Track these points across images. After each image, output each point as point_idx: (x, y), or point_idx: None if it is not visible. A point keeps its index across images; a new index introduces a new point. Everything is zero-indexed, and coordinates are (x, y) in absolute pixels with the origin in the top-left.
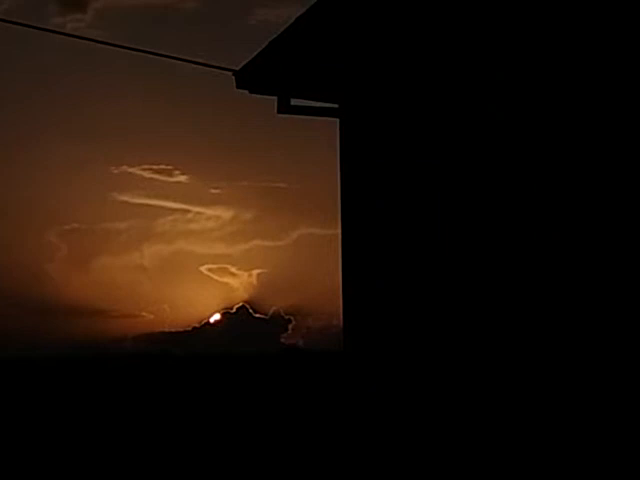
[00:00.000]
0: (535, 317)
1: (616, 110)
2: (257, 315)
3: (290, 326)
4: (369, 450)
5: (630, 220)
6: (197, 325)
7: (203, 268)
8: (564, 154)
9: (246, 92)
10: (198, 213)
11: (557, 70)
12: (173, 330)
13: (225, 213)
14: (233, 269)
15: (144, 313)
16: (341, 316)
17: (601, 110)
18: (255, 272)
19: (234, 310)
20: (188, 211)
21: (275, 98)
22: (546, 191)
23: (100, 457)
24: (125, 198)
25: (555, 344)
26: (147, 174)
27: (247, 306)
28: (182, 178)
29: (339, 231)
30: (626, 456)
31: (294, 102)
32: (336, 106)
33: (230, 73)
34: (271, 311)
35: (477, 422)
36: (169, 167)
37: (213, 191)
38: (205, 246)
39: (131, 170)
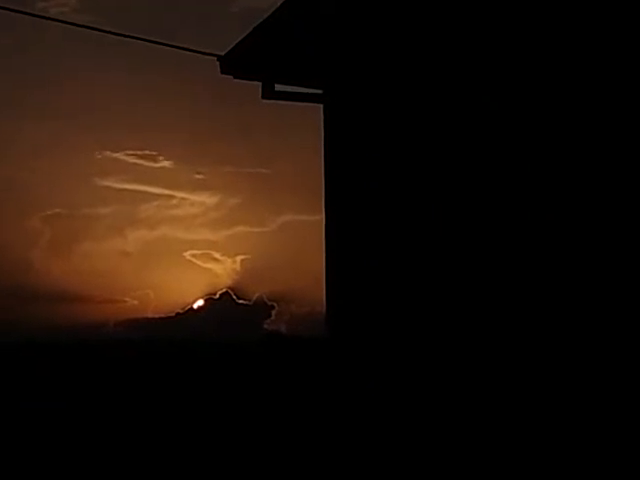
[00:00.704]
0: (525, 302)
1: (616, 113)
2: (240, 301)
3: (273, 312)
4: (353, 437)
5: (630, 216)
6: (180, 311)
7: (187, 254)
8: (553, 144)
9: (230, 77)
10: (182, 199)
11: (548, 61)
12: (156, 316)
13: (209, 199)
14: (217, 255)
15: (127, 299)
16: (324, 302)
17: (601, 110)
18: (239, 258)
19: (217, 296)
20: (172, 197)
21: (260, 84)
22: (533, 174)
23: (82, 445)
24: (108, 183)
25: (547, 332)
26: (131, 159)
27: (230, 292)
28: (166, 163)
29: (323, 217)
30: (626, 456)
31: (278, 88)
32: (320, 92)
33: (215, 58)
34: (254, 297)
35: (463, 409)
36: (153, 152)
37: (197, 177)
38: (189, 232)
39: (115, 155)
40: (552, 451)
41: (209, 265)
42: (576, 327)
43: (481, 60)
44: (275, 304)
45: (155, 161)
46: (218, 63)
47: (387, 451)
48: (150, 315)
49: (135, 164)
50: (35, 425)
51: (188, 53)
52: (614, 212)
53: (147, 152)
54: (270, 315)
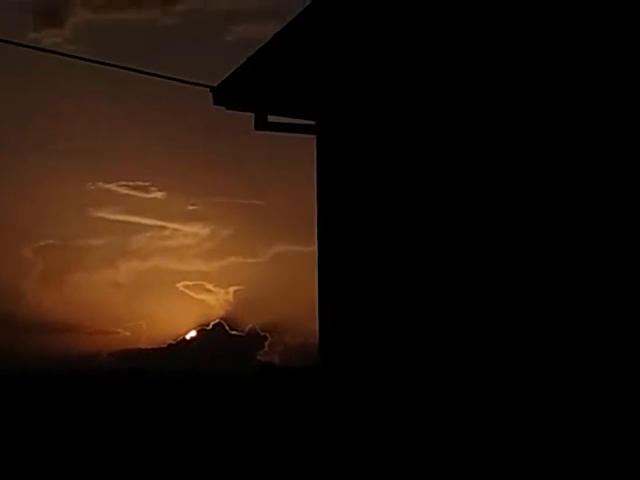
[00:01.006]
0: (529, 309)
1: (616, 114)
2: (233, 332)
3: (266, 343)
4: (348, 467)
5: (630, 216)
6: (173, 342)
7: (179, 285)
8: (553, 145)
9: (223, 108)
10: (175, 230)
11: (547, 61)
12: (149, 347)
13: (202, 230)
14: (210, 286)
15: (119, 330)
16: (317, 333)
17: (601, 111)
18: (232, 289)
19: (210, 327)
20: (165, 227)
21: (252, 115)
22: (533, 175)
23: (72, 475)
24: (101, 214)
25: (548, 335)
26: (123, 190)
27: (223, 323)
28: (158, 194)
29: (315, 248)
30: (626, 456)
31: (271, 119)
32: (313, 123)
33: (207, 89)
34: (247, 328)
35: (463, 436)
36: (146, 183)
37: (190, 207)
38: (182, 263)
39: (107, 186)
40: (552, 451)
41: (202, 296)
42: (575, 327)
43: (479, 63)
44: (268, 335)
45: (147, 192)
46: (211, 94)
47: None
48: (142, 346)
49: (128, 195)
50: (25, 454)
51: (182, 84)
52: (615, 211)
53: (139, 183)
54: (263, 346)
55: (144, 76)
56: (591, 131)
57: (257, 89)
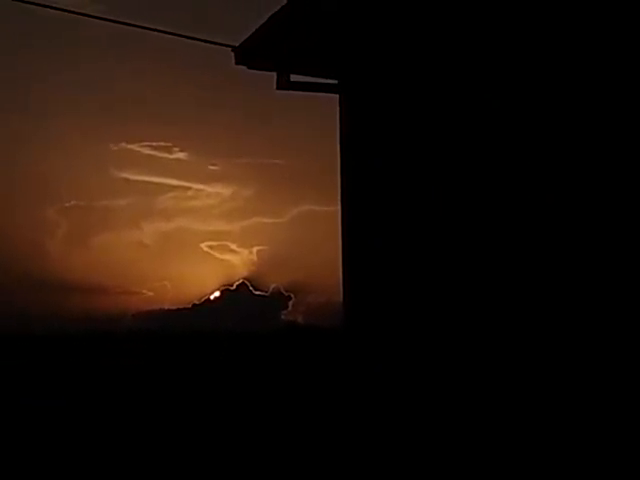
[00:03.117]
0: (538, 297)
1: (616, 112)
2: (257, 292)
3: (290, 303)
4: (370, 427)
5: (630, 214)
6: (197, 302)
7: (203, 245)
8: (566, 149)
9: (245, 68)
10: (198, 190)
11: (560, 65)
12: (173, 307)
13: (225, 190)
14: (233, 246)
15: (144, 290)
16: (341, 293)
17: (601, 111)
18: (255, 249)
19: (234, 287)
20: (188, 188)
21: (274, 74)
22: (549, 170)
23: (97, 435)
24: (125, 175)
25: (553, 329)
26: (146, 150)
27: (247, 283)
28: (181, 155)
29: (339, 207)
30: (626, 456)
31: (293, 78)
32: (336, 82)
33: (229, 49)
34: (271, 288)
35: (480, 401)
36: (168, 144)
37: (211, 167)
38: (205, 223)
39: (130, 147)
40: (557, 449)
41: (225, 256)
42: (593, 328)
43: (503, 54)
44: (292, 295)
45: (170, 152)
46: (233, 54)
47: (400, 438)
48: (167, 306)
49: (150, 155)
50: (50, 416)
51: (203, 44)
52: (616, 211)
53: (162, 143)
54: (287, 306)
55: (166, 36)
56: (597, 130)
57: (279, 48)
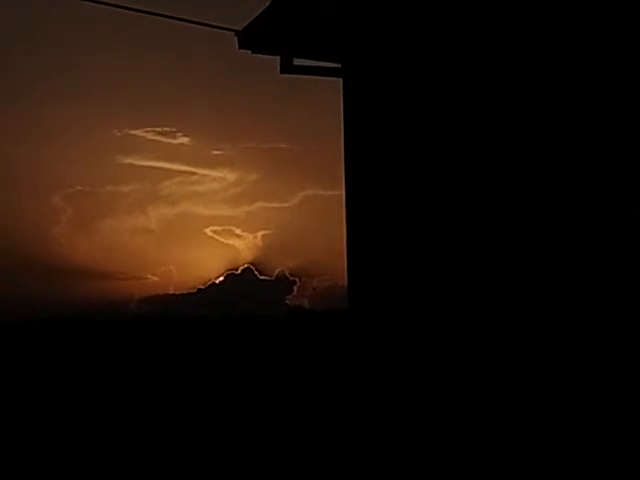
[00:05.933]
0: (540, 290)
1: (617, 113)
2: (262, 277)
3: (295, 287)
4: (374, 411)
5: (630, 214)
6: (202, 287)
7: (208, 230)
8: (567, 150)
9: (249, 52)
10: (203, 175)
11: (562, 66)
12: (178, 292)
13: (229, 175)
14: (238, 231)
15: (149, 275)
16: (346, 276)
17: (601, 110)
18: (260, 234)
19: (239, 272)
20: (193, 173)
21: (278, 58)
22: (556, 170)
23: (102, 418)
24: (129, 161)
25: (555, 321)
26: (150, 136)
27: (252, 268)
28: (185, 140)
29: (343, 192)
30: (626, 456)
31: (297, 62)
32: (339, 66)
33: (233, 33)
34: (276, 272)
35: (483, 388)
36: (172, 129)
37: (215, 152)
38: (210, 208)
39: (134, 132)
40: (559, 445)
41: (230, 241)
42: (598, 332)
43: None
44: (297, 279)
45: (174, 137)
46: (236, 38)
47: (404, 424)
48: (172, 291)
49: (155, 141)
50: (58, 399)
51: (206, 28)
52: (617, 210)
53: (167, 129)
54: (292, 290)
55: (168, 20)
56: (595, 133)
57: (282, 32)
